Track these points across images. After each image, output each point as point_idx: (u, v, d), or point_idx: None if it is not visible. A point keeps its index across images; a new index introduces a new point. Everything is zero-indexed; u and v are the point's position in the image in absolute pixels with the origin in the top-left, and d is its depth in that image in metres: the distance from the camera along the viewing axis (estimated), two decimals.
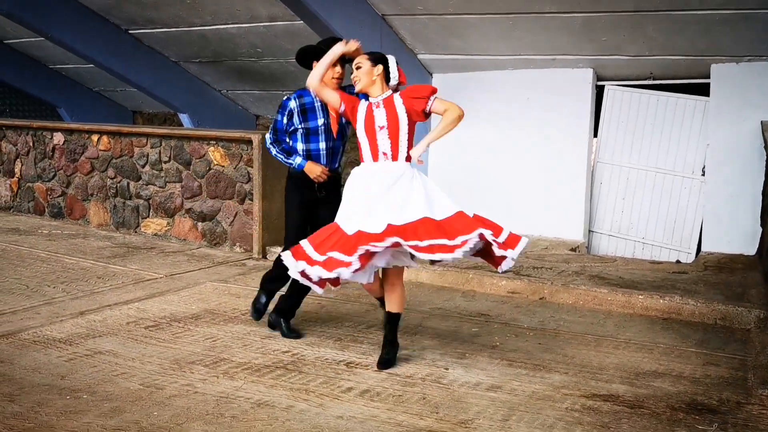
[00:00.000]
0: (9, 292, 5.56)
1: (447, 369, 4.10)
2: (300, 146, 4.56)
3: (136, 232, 8.18)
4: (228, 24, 9.23)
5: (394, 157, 4.09)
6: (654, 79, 8.09)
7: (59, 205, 8.99)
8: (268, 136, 4.63)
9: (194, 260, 6.93)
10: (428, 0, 7.44)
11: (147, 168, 8.07)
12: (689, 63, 7.60)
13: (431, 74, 8.91)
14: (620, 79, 8.32)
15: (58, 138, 8.91)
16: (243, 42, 9.69)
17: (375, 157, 4.12)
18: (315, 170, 4.48)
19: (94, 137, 8.54)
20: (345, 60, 4.35)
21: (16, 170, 9.49)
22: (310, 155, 4.54)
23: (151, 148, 8.04)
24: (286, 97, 4.59)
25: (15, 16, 9.28)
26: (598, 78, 8.29)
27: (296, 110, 4.51)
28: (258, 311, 4.83)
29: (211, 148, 7.45)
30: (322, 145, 4.55)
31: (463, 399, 3.66)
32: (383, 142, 4.09)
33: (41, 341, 4.42)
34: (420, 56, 8.60)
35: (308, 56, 4.48)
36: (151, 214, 8.08)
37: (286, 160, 4.55)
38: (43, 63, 12.88)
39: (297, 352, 4.33)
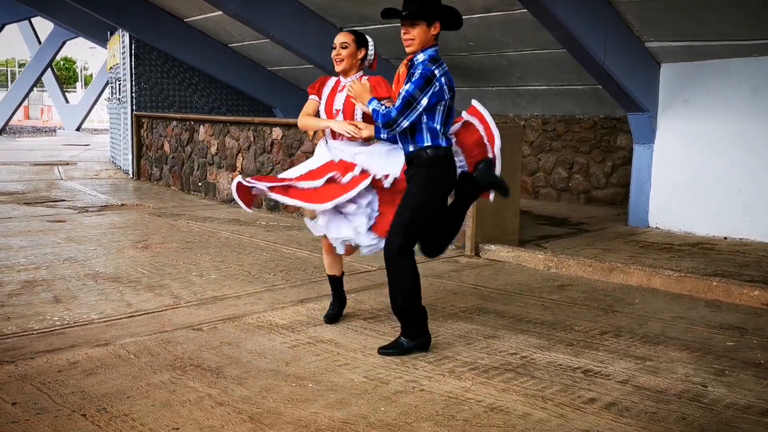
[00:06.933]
0: (233, 278, 5.68)
1: (705, 386, 3.52)
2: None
3: None
4: None
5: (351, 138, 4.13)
6: None
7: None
8: None
9: None
10: None
11: None
12: None
13: (659, 64, 8.14)
14: None
15: (277, 133, 9.20)
16: (455, 35, 9.43)
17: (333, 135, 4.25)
18: None
19: (310, 132, 8.69)
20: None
21: (237, 164, 9.95)
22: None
23: None
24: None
25: (241, 16, 9.72)
26: None
27: None
28: None
29: None
30: None
31: (732, 423, 3.09)
32: None
33: (265, 326, 4.40)
34: (648, 44, 7.87)
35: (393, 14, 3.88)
36: None
37: None
38: (262, 66, 13.51)
39: (526, 355, 3.96)
